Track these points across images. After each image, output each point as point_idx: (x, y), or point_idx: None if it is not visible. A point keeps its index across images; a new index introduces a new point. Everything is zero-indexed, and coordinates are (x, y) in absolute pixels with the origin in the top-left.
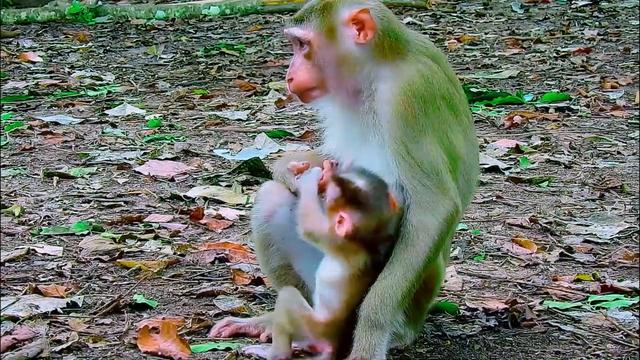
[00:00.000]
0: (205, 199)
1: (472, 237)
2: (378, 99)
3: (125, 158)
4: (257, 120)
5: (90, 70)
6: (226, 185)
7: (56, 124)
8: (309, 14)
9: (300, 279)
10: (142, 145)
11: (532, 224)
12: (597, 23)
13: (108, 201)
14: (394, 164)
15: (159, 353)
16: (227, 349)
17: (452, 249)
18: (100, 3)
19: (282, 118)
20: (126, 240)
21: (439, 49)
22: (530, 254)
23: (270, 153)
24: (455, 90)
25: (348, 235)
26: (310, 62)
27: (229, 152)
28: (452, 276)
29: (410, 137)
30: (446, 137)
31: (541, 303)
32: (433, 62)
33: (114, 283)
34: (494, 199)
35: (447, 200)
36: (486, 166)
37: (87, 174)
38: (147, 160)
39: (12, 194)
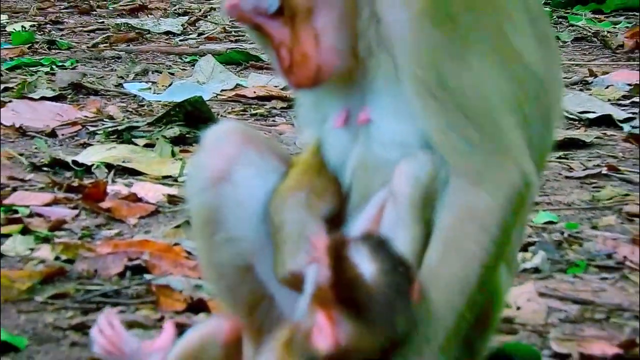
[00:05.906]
0: (109, 166)
1: (565, 235)
2: None
3: None
4: (200, 35)
5: None
6: (145, 145)
7: None
8: None
9: (264, 292)
10: (1, 75)
11: None
12: None
13: None
14: (416, 107)
15: None
16: None
17: (531, 253)
18: None
19: (242, 30)
20: None
21: None
22: None
23: (222, 90)
24: None
25: (327, 354)
26: (296, 21)
27: (150, 89)
28: (529, 300)
29: (445, 55)
30: (505, 39)
31: None
32: None
33: None
34: (603, 172)
35: (510, 165)
36: (592, 115)
37: None
38: (10, 102)
39: None
